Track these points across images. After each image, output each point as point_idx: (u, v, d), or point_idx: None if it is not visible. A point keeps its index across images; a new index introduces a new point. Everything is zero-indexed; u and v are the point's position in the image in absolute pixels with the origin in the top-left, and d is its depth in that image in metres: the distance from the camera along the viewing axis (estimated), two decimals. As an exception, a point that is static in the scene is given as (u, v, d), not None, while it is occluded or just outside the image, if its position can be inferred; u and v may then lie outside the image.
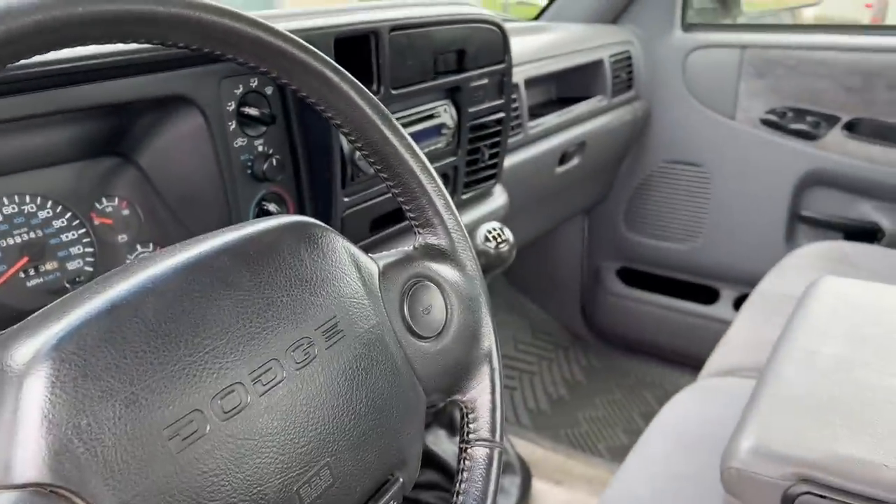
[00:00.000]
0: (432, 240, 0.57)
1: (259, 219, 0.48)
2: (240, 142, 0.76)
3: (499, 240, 0.75)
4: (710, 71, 1.68)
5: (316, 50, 0.50)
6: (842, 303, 0.92)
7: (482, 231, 0.76)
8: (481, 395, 0.56)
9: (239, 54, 0.46)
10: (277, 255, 0.46)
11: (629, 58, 1.68)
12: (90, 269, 0.70)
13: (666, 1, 1.70)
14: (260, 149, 0.77)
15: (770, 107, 1.63)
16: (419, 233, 0.57)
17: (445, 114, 0.97)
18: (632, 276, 1.95)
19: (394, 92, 0.87)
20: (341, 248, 0.50)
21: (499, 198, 1.15)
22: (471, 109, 1.01)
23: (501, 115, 1.07)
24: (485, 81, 1.03)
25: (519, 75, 1.34)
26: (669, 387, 1.87)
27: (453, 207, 0.58)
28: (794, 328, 0.89)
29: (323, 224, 0.50)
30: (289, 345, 0.43)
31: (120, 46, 0.64)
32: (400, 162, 0.55)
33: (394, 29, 0.85)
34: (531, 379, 1.87)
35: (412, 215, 0.57)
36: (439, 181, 0.57)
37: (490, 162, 1.09)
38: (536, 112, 1.45)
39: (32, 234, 0.66)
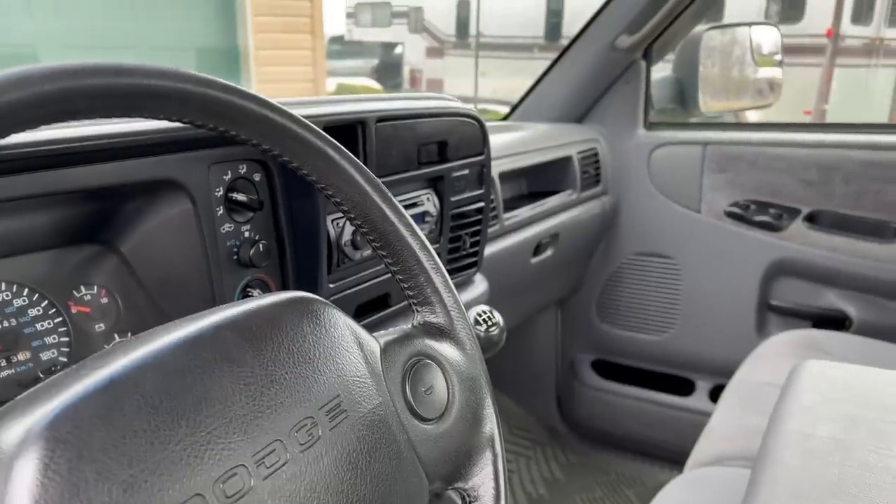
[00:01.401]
0: (431, 318, 0.56)
1: (260, 295, 0.47)
2: (227, 227, 0.75)
3: (489, 323, 0.74)
4: (674, 166, 1.75)
5: (318, 129, 0.50)
6: (829, 385, 0.92)
7: (471, 314, 0.75)
8: (484, 482, 0.54)
9: (244, 132, 0.46)
10: (280, 330, 0.44)
11: (596, 154, 1.74)
12: (65, 359, 0.67)
13: (628, 102, 1.78)
14: (246, 234, 0.76)
15: (733, 200, 1.70)
16: (417, 311, 0.56)
17: (428, 202, 0.98)
18: (607, 368, 1.94)
19: (380, 179, 0.88)
20: (343, 324, 0.49)
21: (480, 285, 1.15)
22: (453, 198, 1.02)
23: (481, 204, 1.09)
24: (465, 172, 1.05)
25: (494, 169, 1.38)
26: (650, 482, 1.82)
27: (452, 286, 0.57)
28: (783, 413, 0.88)
29: (324, 300, 0.49)
30: (292, 425, 0.41)
31: (107, 129, 0.63)
32: (398, 239, 0.54)
33: (380, 120, 0.87)
34: (510, 477, 1.81)
35: (411, 293, 0.56)
36: (437, 259, 0.57)
37: (471, 250, 1.09)
38: (510, 205, 1.48)
39: (6, 323, 0.63)
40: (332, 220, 0.83)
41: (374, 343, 0.51)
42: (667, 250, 1.79)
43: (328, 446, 0.42)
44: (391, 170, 0.90)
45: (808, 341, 1.48)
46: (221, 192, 0.74)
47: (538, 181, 1.65)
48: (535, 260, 1.55)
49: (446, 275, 0.57)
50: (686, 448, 1.88)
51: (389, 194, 0.55)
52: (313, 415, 0.42)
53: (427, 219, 0.98)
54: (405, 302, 0.93)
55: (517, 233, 1.46)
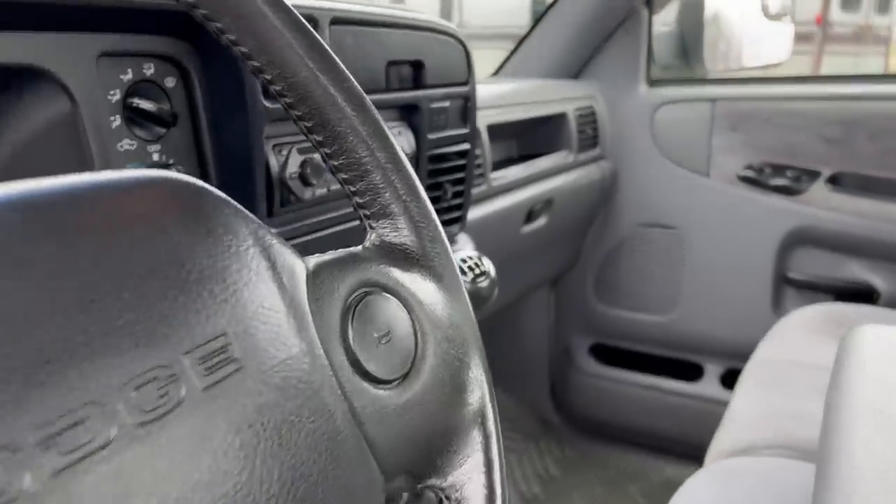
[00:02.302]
0: (392, 236, 0.38)
1: (117, 171, 0.28)
2: (126, 145, 0.56)
3: (476, 271, 0.56)
4: (680, 127, 1.58)
5: None
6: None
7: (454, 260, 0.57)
8: (471, 477, 0.36)
9: None
10: (130, 223, 0.26)
11: (593, 113, 1.56)
12: None
13: (628, 56, 1.61)
14: (155, 157, 0.58)
15: (746, 162, 1.53)
16: (372, 226, 0.38)
17: (401, 137, 0.80)
18: (605, 353, 1.77)
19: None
20: (247, 231, 0.30)
21: (465, 248, 0.97)
22: (431, 136, 0.84)
23: (466, 146, 0.91)
24: (446, 105, 0.87)
25: (481, 121, 1.20)
26: (656, 477, 1.65)
27: (421, 191, 0.39)
28: (845, 387, 0.71)
29: (221, 194, 0.31)
30: (126, 379, 0.23)
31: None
32: (338, 114, 0.36)
33: (336, 21, 0.69)
34: (500, 474, 1.63)
35: (361, 200, 0.38)
36: (401, 153, 0.39)
37: (454, 202, 0.91)
38: (499, 167, 1.30)
39: None
40: (275, 147, 0.65)
41: (297, 264, 0.33)
42: (672, 220, 1.62)
43: (197, 418, 0.24)
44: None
45: (833, 316, 1.31)
46: (118, 97, 0.55)
47: (530, 141, 1.47)
48: (526, 228, 1.38)
49: (414, 176, 0.39)
50: (695, 439, 1.72)
51: (327, 48, 0.36)
52: (170, 362, 0.24)
53: (399, 156, 0.79)
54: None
55: (507, 195, 1.28)
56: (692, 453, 1.69)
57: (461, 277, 0.57)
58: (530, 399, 1.85)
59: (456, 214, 0.93)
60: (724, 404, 1.64)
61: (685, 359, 1.68)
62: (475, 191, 1.17)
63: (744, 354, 1.54)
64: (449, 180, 0.89)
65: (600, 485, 1.63)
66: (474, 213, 1.16)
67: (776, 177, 1.50)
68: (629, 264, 1.69)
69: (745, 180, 1.53)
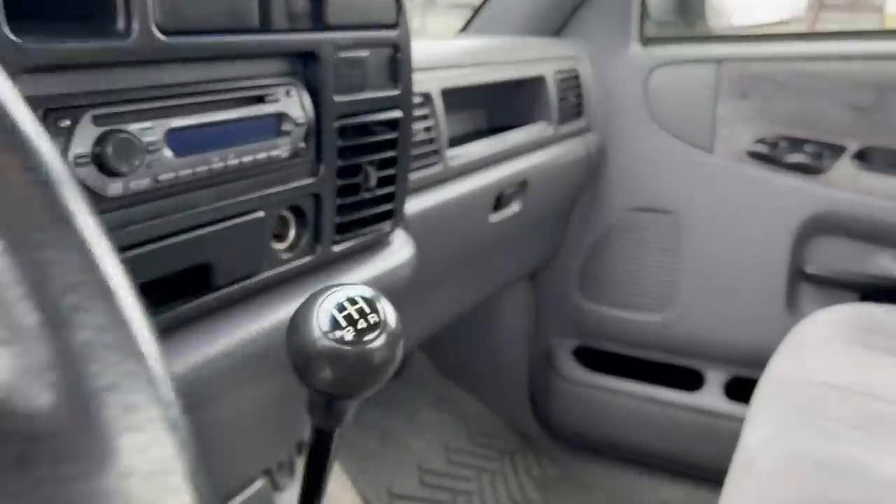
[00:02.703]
0: None
1: None
2: None
3: (365, 322, 0.33)
4: (679, 93, 1.34)
5: None
6: None
7: (331, 301, 0.33)
8: None
9: None
10: None
11: (577, 77, 1.31)
12: None
13: (618, 9, 1.36)
14: None
15: (758, 135, 1.28)
16: None
17: (289, 99, 0.55)
18: (592, 357, 1.53)
19: (164, 38, 0.44)
20: None
21: (400, 250, 0.72)
22: (340, 98, 0.59)
23: (396, 113, 0.66)
24: (363, 55, 0.61)
25: (434, 83, 0.95)
26: (649, 500, 1.43)
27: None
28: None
29: None
30: None
31: None
32: None
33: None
34: (469, 501, 1.40)
35: None
36: None
37: (381, 191, 0.66)
38: (460, 141, 1.05)
39: None
40: (48, 114, 0.40)
41: None
42: (669, 204, 1.38)
43: None
44: (198, 23, 0.47)
45: (862, 319, 1.09)
46: None
47: (500, 111, 1.22)
48: (495, 217, 1.13)
49: None
50: (694, 457, 1.49)
51: None
52: None
53: (286, 128, 0.54)
54: (248, 281, 0.51)
55: (469, 178, 1.03)
56: (690, 473, 1.47)
57: (335, 333, 0.32)
58: (507, 410, 1.63)
59: (386, 207, 0.68)
60: (727, 418, 1.43)
61: (683, 365, 1.45)
62: (427, 173, 0.93)
63: (751, 361, 1.31)
64: (371, 161, 0.65)
65: (585, 511, 1.41)
66: (425, 201, 0.92)
67: (793, 153, 1.26)
68: (619, 255, 1.45)
69: (756, 157, 1.29)
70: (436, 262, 1.04)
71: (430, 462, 1.47)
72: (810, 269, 1.30)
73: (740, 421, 0.94)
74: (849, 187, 1.24)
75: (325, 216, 0.59)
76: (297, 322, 0.33)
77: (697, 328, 1.41)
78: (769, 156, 1.28)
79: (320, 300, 0.34)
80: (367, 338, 0.33)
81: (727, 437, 0.97)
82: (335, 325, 0.33)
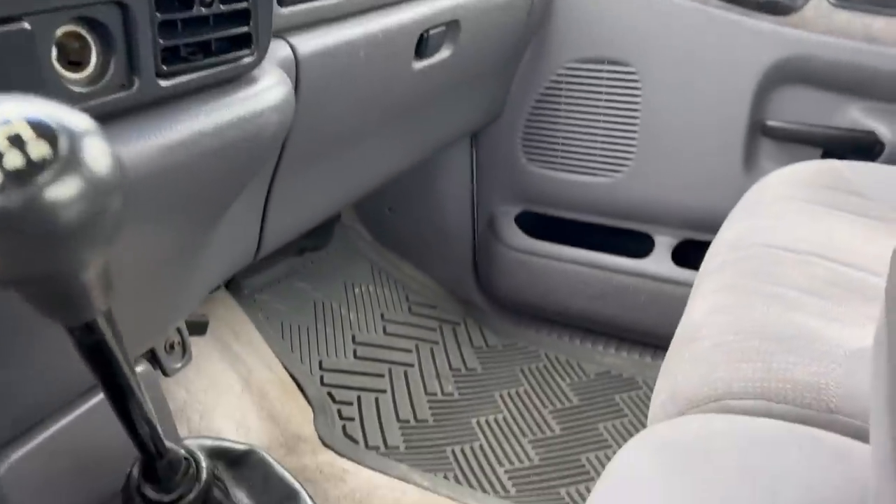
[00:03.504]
0: None
1: None
2: None
3: (22, 158, 0.20)
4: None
5: None
6: None
7: None
8: None
9: None
10: None
11: None
12: None
13: None
14: None
15: (724, -32, 1.13)
16: None
17: None
18: (536, 223, 1.44)
19: None
20: None
21: (268, 91, 0.58)
22: None
23: None
24: None
25: None
26: (591, 369, 1.39)
27: None
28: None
29: None
30: None
31: None
32: None
33: None
34: (406, 375, 1.35)
35: None
36: None
37: (229, 7, 0.51)
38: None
39: None
40: None
41: None
42: (623, 54, 1.24)
43: None
44: None
45: (825, 177, 0.99)
46: None
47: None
48: (419, 65, 0.98)
49: None
50: (640, 324, 1.43)
51: None
52: None
53: None
54: None
55: (380, 12, 0.87)
56: (636, 339, 1.42)
57: None
58: (449, 279, 1.55)
59: (239, 30, 0.53)
60: (676, 283, 1.36)
61: (633, 229, 1.36)
62: (319, 3, 0.77)
63: (704, 225, 1.22)
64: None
65: (527, 379, 1.36)
66: (323, 38, 0.77)
67: (763, -12, 1.12)
68: (567, 113, 1.32)
69: (721, -6, 1.14)
70: (348, 114, 0.90)
71: (365, 335, 1.39)
72: (772, 122, 1.19)
73: (689, 287, 0.86)
74: (822, 28, 1.10)
75: (139, 36, 0.45)
76: None
77: (649, 191, 1.31)
78: (735, -7, 1.13)
79: None
80: (29, 183, 0.20)
81: (676, 304, 0.90)
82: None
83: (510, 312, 1.51)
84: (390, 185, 1.31)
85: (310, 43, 0.74)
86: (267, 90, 0.58)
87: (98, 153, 0.22)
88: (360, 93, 0.89)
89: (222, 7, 0.50)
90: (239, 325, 1.25)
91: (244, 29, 0.53)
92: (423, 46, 0.98)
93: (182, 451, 0.58)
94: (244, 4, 0.52)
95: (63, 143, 0.21)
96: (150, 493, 0.58)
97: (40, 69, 0.41)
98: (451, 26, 1.02)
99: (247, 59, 0.55)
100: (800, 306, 0.72)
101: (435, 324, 1.48)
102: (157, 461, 0.54)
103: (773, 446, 0.54)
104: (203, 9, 0.49)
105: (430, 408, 1.29)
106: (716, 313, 0.73)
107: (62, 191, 0.21)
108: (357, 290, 1.48)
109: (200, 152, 0.51)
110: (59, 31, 0.42)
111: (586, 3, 1.24)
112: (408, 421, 1.25)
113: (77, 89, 0.43)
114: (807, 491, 0.50)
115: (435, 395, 1.32)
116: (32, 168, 0.20)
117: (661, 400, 0.66)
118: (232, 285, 1.31)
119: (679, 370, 0.68)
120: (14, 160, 0.20)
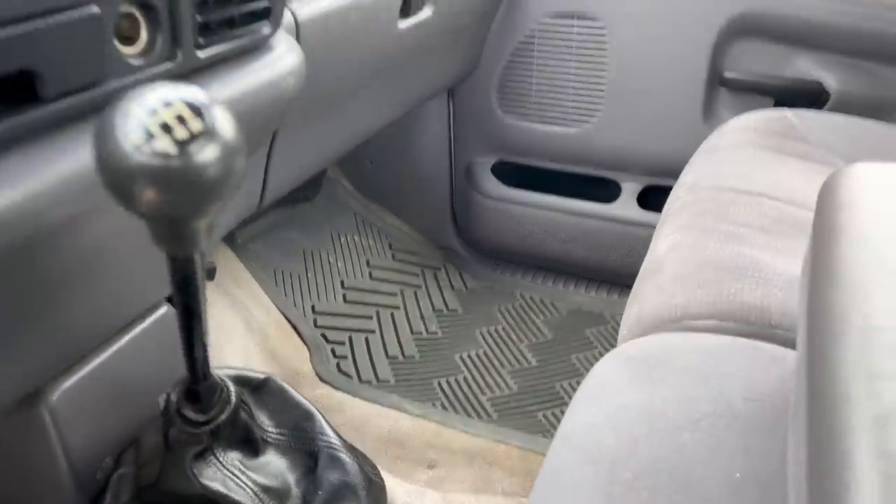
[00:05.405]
0: None
1: None
2: None
3: (187, 131, 0.28)
4: None
5: None
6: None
7: (141, 106, 0.27)
8: None
9: None
10: None
11: None
12: None
13: None
14: None
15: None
16: None
17: None
18: (511, 173, 1.53)
19: None
20: None
21: (284, 57, 0.65)
22: None
23: None
24: None
25: None
26: (564, 307, 1.50)
27: None
28: (832, 251, 0.48)
29: None
30: None
31: None
32: None
33: None
34: (393, 316, 1.44)
35: None
36: None
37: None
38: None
39: None
40: None
41: None
42: (591, 9, 1.31)
43: None
44: None
45: (774, 124, 1.09)
46: None
47: None
48: (404, 24, 1.05)
49: None
50: (608, 264, 1.55)
51: None
52: None
53: None
54: (90, 92, 0.45)
55: (370, -23, 0.93)
56: (605, 279, 1.53)
57: (152, 144, 0.27)
58: (429, 227, 1.63)
59: (260, 4, 0.60)
60: (640, 226, 1.47)
61: (601, 176, 1.46)
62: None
63: (667, 171, 1.32)
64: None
65: (504, 317, 1.47)
66: (318, 4, 0.83)
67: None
68: (539, 67, 1.39)
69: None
70: (340, 74, 0.97)
71: (353, 280, 1.48)
72: (729, 74, 1.28)
73: (653, 228, 0.96)
74: (774, -15, 1.19)
75: (181, 13, 0.52)
76: (103, 132, 0.28)
77: (616, 140, 1.40)
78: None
79: (127, 105, 0.28)
80: (192, 149, 0.28)
81: (641, 245, 0.99)
82: (148, 135, 0.28)
83: (487, 257, 1.61)
84: (371, 139, 1.38)
85: (307, 9, 0.80)
86: (282, 56, 0.65)
87: (230, 125, 0.30)
88: (351, 53, 0.95)
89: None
90: (237, 272, 1.33)
91: (265, 3, 0.60)
92: (406, 5, 1.04)
93: (217, 377, 0.67)
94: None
95: (208, 119, 0.29)
96: (189, 413, 0.67)
97: (104, 45, 0.48)
98: (433, -13, 1.08)
99: (266, 30, 0.62)
100: (749, 241, 0.82)
101: (417, 269, 1.58)
102: (200, 383, 0.63)
103: (722, 355, 0.65)
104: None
105: (417, 345, 1.39)
106: (676, 249, 0.84)
107: (209, 154, 0.29)
108: (343, 239, 1.56)
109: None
110: (119, 11, 0.48)
111: (556, -39, 1.31)
112: (396, 357, 1.35)
113: (133, 62, 0.50)
114: (749, 390, 0.61)
115: (420, 333, 1.42)
116: (193, 138, 0.28)
117: (629, 324, 0.77)
118: (226, 236, 1.38)
119: (644, 298, 0.79)
120: (181, 133, 0.28)
